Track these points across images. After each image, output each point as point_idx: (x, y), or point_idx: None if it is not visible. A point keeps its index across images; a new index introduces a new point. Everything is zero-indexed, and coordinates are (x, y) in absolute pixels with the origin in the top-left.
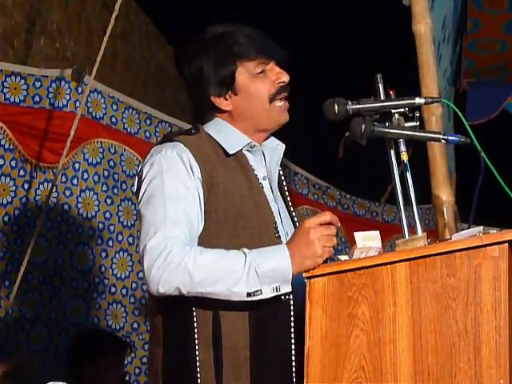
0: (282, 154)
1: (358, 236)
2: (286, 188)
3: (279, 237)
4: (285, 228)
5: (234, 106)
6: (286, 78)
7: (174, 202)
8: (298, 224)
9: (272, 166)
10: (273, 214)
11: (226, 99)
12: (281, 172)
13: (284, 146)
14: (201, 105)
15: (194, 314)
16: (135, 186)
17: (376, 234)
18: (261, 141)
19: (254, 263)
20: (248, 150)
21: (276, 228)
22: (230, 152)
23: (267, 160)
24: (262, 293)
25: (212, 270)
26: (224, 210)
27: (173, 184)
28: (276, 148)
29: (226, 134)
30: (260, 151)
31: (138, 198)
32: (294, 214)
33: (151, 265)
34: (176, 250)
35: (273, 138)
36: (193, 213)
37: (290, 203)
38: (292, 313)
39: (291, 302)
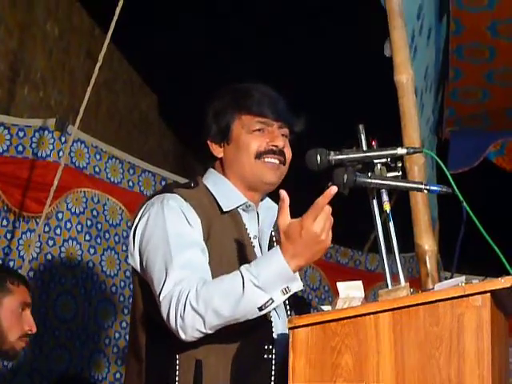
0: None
1: (341, 286)
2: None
3: None
4: None
5: (225, 155)
6: (280, 143)
7: (179, 248)
8: None
9: (264, 226)
10: None
11: (221, 147)
12: (273, 233)
13: (278, 207)
14: (203, 150)
15: (177, 360)
16: (132, 232)
17: (359, 283)
18: (255, 200)
19: (252, 277)
20: (243, 209)
21: None
22: (225, 210)
23: (260, 219)
24: (273, 300)
25: (215, 299)
26: (216, 262)
27: (176, 232)
28: (271, 208)
29: (223, 189)
30: (254, 211)
31: (138, 251)
32: None
33: (166, 318)
34: (182, 292)
35: (268, 199)
36: (199, 253)
37: None
38: (273, 365)
39: (273, 362)
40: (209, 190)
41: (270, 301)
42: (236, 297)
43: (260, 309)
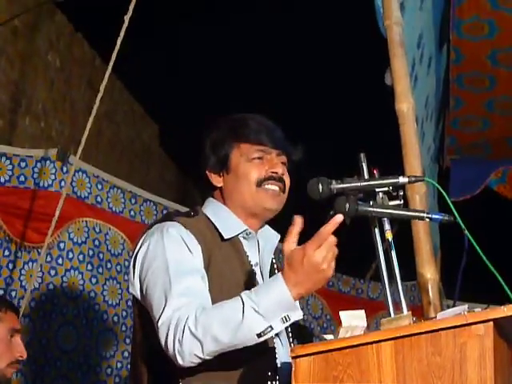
0: (276, 243)
1: (344, 315)
2: None
3: None
4: None
5: (224, 184)
6: (279, 170)
7: (178, 276)
8: None
9: (265, 253)
10: None
11: (220, 176)
12: (274, 260)
13: (279, 236)
14: (202, 180)
15: None
16: (132, 261)
17: (361, 313)
18: (255, 228)
19: (253, 303)
20: (243, 237)
21: None
22: (226, 237)
23: (261, 246)
24: (272, 328)
25: (214, 325)
26: (217, 292)
27: (176, 260)
28: (271, 237)
29: (223, 217)
30: (255, 238)
31: (139, 280)
32: None
33: (165, 345)
34: (180, 319)
35: (268, 226)
36: (198, 281)
37: None
38: None
39: (276, 383)
40: (209, 219)
41: (269, 328)
42: (235, 323)
43: (259, 335)
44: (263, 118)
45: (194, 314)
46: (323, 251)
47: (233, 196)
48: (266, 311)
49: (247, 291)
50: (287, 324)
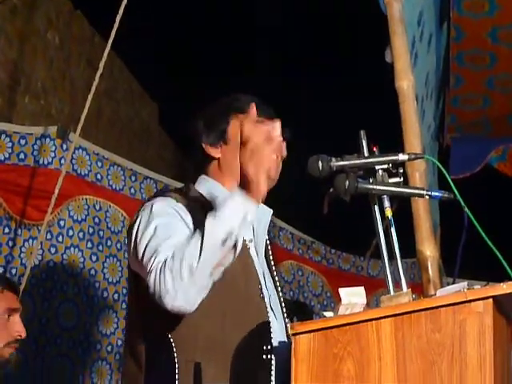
0: (270, 219)
1: (343, 292)
2: (270, 253)
3: (263, 298)
4: (268, 291)
5: (222, 155)
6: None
7: (168, 235)
8: (279, 289)
9: (259, 230)
10: (258, 276)
11: (217, 148)
12: (267, 237)
13: (272, 211)
14: (194, 157)
15: (176, 363)
16: (127, 235)
17: (361, 289)
18: None
19: (212, 217)
20: None
21: (261, 290)
22: None
23: (255, 223)
24: (232, 229)
25: (185, 250)
26: None
27: (165, 224)
28: (265, 212)
29: (216, 193)
30: None
31: (133, 251)
32: (276, 279)
33: (153, 290)
34: (162, 262)
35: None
36: (186, 233)
37: (274, 267)
38: (272, 366)
39: (272, 362)
40: (202, 195)
41: (231, 231)
42: (200, 238)
43: (224, 242)
44: (256, 98)
45: (171, 253)
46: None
47: (233, 166)
48: (223, 216)
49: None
50: (248, 219)
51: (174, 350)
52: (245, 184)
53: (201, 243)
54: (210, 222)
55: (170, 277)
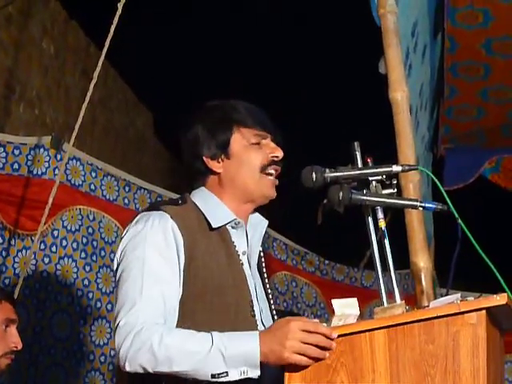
0: (265, 229)
1: (336, 303)
2: (263, 265)
3: (254, 315)
4: (260, 305)
5: (224, 170)
6: (280, 153)
7: (152, 279)
8: (271, 300)
9: (254, 242)
10: (250, 291)
11: (219, 162)
12: (260, 248)
13: (267, 222)
14: (193, 167)
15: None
16: (116, 252)
17: (354, 301)
18: (246, 214)
19: (222, 346)
20: (232, 226)
21: (252, 306)
22: (214, 226)
23: (249, 235)
24: (228, 375)
25: (177, 351)
26: (202, 284)
27: (154, 258)
28: (259, 224)
29: (212, 206)
30: (243, 227)
31: (117, 263)
32: (269, 291)
33: (120, 343)
34: (145, 329)
35: (257, 213)
36: (170, 291)
37: (267, 280)
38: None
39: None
40: (197, 207)
41: (225, 374)
42: (198, 357)
43: (213, 376)
44: (249, 104)
45: (160, 333)
46: (301, 323)
47: (235, 182)
48: (231, 357)
49: (220, 333)
50: (241, 377)
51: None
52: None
53: (194, 361)
54: (216, 352)
55: (146, 359)
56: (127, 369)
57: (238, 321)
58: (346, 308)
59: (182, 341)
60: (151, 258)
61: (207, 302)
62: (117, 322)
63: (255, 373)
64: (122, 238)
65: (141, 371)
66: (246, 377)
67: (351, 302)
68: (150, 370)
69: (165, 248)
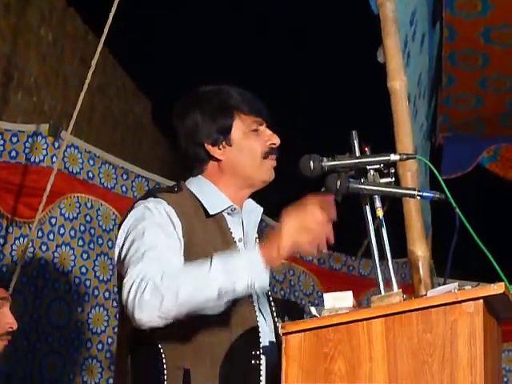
0: (260, 217)
1: (327, 296)
2: None
3: (252, 302)
4: (257, 292)
5: (226, 157)
6: (277, 140)
7: (153, 246)
8: (268, 288)
9: (249, 228)
10: None
11: (220, 149)
12: (256, 235)
13: (262, 208)
14: (193, 155)
15: (165, 369)
16: (116, 238)
17: (348, 294)
18: (243, 200)
19: (221, 262)
20: (228, 213)
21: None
22: (211, 212)
23: (245, 222)
24: (235, 290)
25: (179, 278)
26: None
27: (153, 230)
28: (254, 210)
29: (208, 193)
30: (239, 214)
31: (118, 249)
32: None
33: (126, 297)
34: (147, 277)
35: (251, 200)
36: (173, 258)
37: None
38: (261, 371)
39: (261, 367)
40: (193, 195)
41: (232, 288)
42: (199, 276)
43: (219, 295)
44: (243, 90)
45: (161, 271)
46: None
47: (236, 168)
48: (233, 269)
49: (218, 256)
50: (250, 290)
51: (163, 355)
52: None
53: (198, 282)
54: (217, 267)
55: (150, 296)
56: (142, 322)
57: (236, 307)
58: (337, 301)
59: (182, 269)
60: (151, 231)
61: None
62: (125, 282)
63: (263, 280)
64: (120, 225)
65: (155, 317)
66: (253, 288)
67: (346, 295)
68: (160, 311)
69: (164, 223)
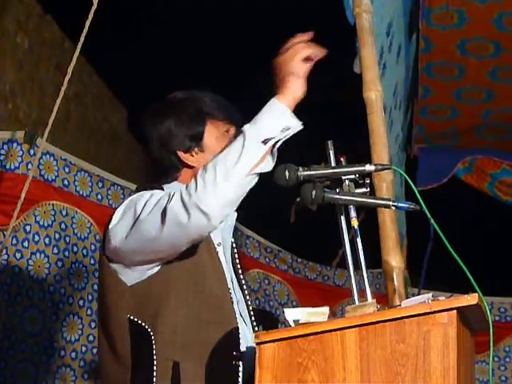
0: (234, 221)
1: (303, 312)
2: (236, 256)
3: (233, 303)
4: (236, 296)
5: (199, 163)
6: None
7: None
8: (246, 292)
9: (225, 234)
10: (226, 280)
11: (193, 155)
12: (232, 240)
13: (236, 214)
14: (166, 162)
15: (155, 361)
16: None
17: (325, 309)
18: None
19: (251, 125)
20: None
21: (230, 294)
22: None
23: (221, 227)
24: (274, 136)
25: (218, 161)
26: (183, 272)
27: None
28: (229, 215)
29: None
30: None
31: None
32: (243, 282)
33: (171, 210)
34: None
35: None
36: None
37: (241, 271)
38: (240, 373)
39: (240, 369)
40: None
41: (272, 131)
42: (238, 145)
43: (264, 142)
44: (215, 95)
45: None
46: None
47: None
48: (265, 125)
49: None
50: (286, 134)
51: (154, 347)
52: None
53: (241, 143)
54: (249, 126)
55: (201, 184)
56: (205, 209)
57: (220, 306)
58: (312, 317)
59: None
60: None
61: (190, 290)
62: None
63: (295, 123)
64: (110, 218)
65: (216, 201)
66: (289, 133)
67: (322, 310)
68: (219, 187)
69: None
